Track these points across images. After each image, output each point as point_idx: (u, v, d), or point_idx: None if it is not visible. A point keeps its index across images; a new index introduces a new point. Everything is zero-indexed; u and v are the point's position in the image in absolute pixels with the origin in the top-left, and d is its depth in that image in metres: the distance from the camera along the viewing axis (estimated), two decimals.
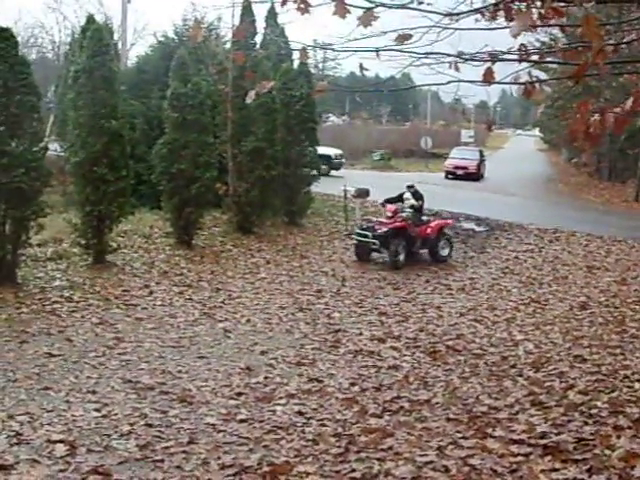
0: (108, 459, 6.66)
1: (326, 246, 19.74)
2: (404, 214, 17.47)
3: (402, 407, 8.21)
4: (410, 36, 5.57)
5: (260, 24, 25.15)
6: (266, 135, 19.89)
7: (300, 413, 7.94)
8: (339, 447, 7.04)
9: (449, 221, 20.19)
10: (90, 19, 20.54)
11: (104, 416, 7.70)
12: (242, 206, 19.69)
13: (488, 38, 6.09)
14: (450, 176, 40.39)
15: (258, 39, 23.64)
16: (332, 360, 9.96)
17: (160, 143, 17.79)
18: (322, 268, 16.76)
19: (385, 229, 17.01)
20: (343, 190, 22.33)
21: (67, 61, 35.00)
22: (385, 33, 5.72)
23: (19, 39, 13.16)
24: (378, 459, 6.75)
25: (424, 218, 18.47)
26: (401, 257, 17.00)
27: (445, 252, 18.14)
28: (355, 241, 17.77)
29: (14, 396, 8.21)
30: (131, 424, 7.46)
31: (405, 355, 10.34)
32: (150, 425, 7.45)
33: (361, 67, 6.01)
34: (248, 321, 11.93)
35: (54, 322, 11.30)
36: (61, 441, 6.99)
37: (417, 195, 18.20)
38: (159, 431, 7.32)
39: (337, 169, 36.59)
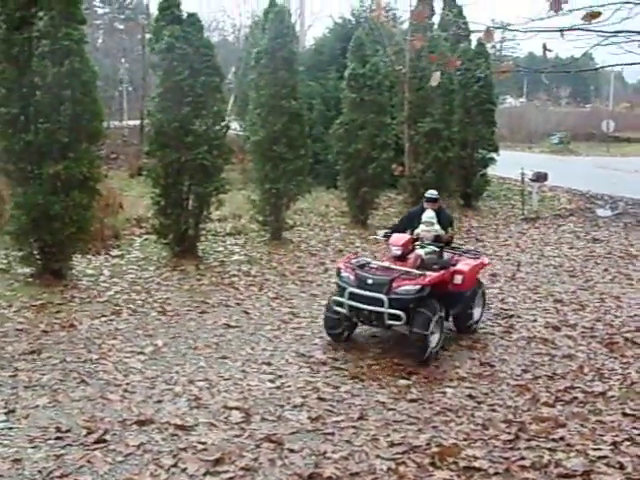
0: (280, 428, 6.87)
1: (501, 230, 19.43)
2: (423, 251, 9.96)
3: (575, 398, 7.97)
4: (599, 14, 5.35)
5: (438, 4, 24.98)
6: (443, 116, 19.74)
7: (470, 397, 7.89)
8: (509, 434, 6.95)
9: (485, 260, 11.11)
10: (272, 2, 21.11)
11: (278, 387, 7.94)
12: (417, 187, 19.65)
13: None
14: None
15: (435, 19, 23.45)
16: (505, 345, 9.80)
17: (337, 123, 18.06)
18: (497, 252, 16.48)
19: (415, 286, 8.96)
20: (520, 173, 21.90)
21: (247, 43, 36.09)
22: (571, 11, 5.53)
23: (203, 23, 13.66)
24: (549, 449, 6.62)
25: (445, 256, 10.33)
26: (435, 338, 9.04)
27: (478, 313, 10.46)
28: (334, 309, 9.40)
29: (194, 363, 8.62)
30: (303, 397, 7.65)
31: (580, 345, 10.00)
32: (322, 399, 7.61)
33: (544, 47, 5.84)
34: None
35: (232, 294, 11.73)
36: (237, 408, 7.28)
37: (444, 216, 10.67)
38: (330, 405, 7.47)
39: None
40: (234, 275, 12.83)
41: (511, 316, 11.21)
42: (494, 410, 7.56)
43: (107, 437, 6.52)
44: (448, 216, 10.86)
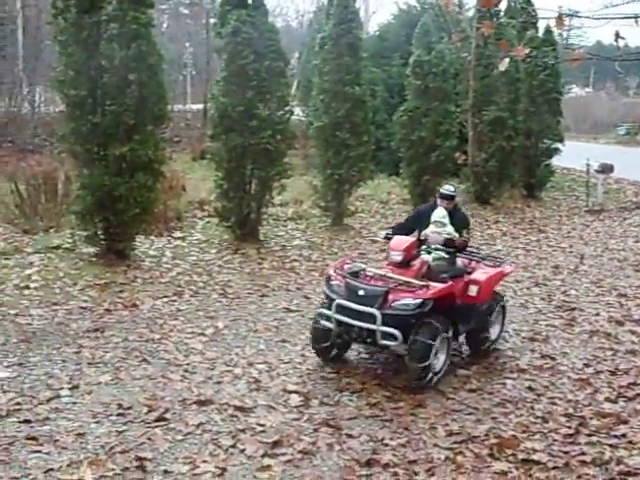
0: (339, 413, 6.87)
1: (565, 222, 19.12)
2: (430, 257, 8.46)
3: (639, 394, 7.79)
4: None
5: None
6: (508, 105, 19.50)
7: (530, 389, 7.78)
8: (569, 428, 6.83)
9: (508, 268, 9.53)
10: None
11: (337, 372, 7.93)
12: (480, 176, 19.51)
13: None
14: None
15: (502, 6, 23.15)
16: (566, 339, 9.64)
17: (401, 110, 17.99)
18: (560, 244, 16.23)
19: (415, 300, 7.50)
20: (586, 165, 21.54)
21: (311, 29, 36.15)
22: None
23: (267, 8, 13.67)
24: (610, 445, 6.48)
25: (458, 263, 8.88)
26: (440, 361, 7.71)
27: (495, 332, 8.96)
28: (322, 323, 7.94)
29: (254, 345, 8.69)
30: (363, 382, 7.64)
31: None
32: (381, 385, 7.59)
33: (617, 35, 5.68)
34: None
35: (293, 279, 11.78)
36: (296, 392, 7.31)
37: (460, 217, 9.06)
38: (390, 391, 7.46)
39: None
40: (295, 260, 12.89)
41: (573, 309, 11.03)
42: (554, 403, 7.45)
43: (167, 416, 6.62)
44: (464, 217, 9.20)
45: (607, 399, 7.62)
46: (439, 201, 8.96)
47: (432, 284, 7.63)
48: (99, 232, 11.57)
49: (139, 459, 5.78)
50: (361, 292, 7.63)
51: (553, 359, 8.79)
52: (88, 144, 11.18)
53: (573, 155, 23.32)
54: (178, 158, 22.33)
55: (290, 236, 14.63)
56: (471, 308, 8.35)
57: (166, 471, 5.66)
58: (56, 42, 11.18)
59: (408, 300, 7.49)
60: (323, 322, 7.89)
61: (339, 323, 7.67)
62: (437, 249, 8.51)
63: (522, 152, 20.89)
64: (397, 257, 8.05)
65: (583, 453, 6.32)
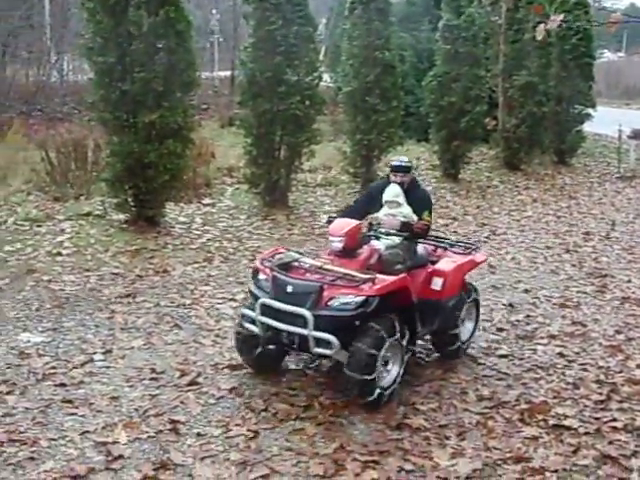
0: None
1: (596, 188, 18.98)
2: (382, 243, 6.99)
3: None
4: None
5: None
6: (539, 70, 19.32)
7: (561, 355, 7.75)
8: (600, 394, 6.80)
9: (479, 256, 7.84)
10: None
11: None
12: (510, 142, 19.38)
13: None
14: None
15: None
16: (597, 305, 9.58)
17: (430, 75, 17.85)
18: (591, 210, 16.11)
19: (356, 297, 5.97)
20: (618, 130, 21.30)
21: None
22: None
23: None
24: None
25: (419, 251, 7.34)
26: (391, 374, 6.33)
27: (467, 331, 7.59)
28: (246, 326, 6.51)
29: None
30: None
31: None
32: (411, 351, 7.59)
33: None
34: (513, 258, 11.70)
35: (323, 245, 11.73)
36: (327, 356, 7.28)
37: (418, 195, 7.38)
38: (419, 357, 7.47)
39: None
40: (325, 226, 12.85)
41: (604, 275, 10.96)
42: (585, 370, 7.42)
43: (199, 380, 6.67)
44: (424, 195, 7.51)
45: (638, 366, 7.57)
46: (392, 176, 7.36)
47: (379, 277, 6.14)
48: (129, 199, 11.62)
49: (172, 422, 5.85)
50: (289, 288, 6.18)
51: (584, 325, 8.74)
52: (117, 111, 11.19)
53: (605, 121, 23.05)
54: (206, 125, 22.29)
55: (319, 202, 14.62)
56: (435, 305, 6.99)
57: (199, 434, 5.72)
58: (84, 9, 11.18)
59: (348, 298, 6.02)
60: (247, 326, 6.50)
61: (267, 327, 6.28)
62: (388, 234, 7.06)
63: (553, 117, 20.71)
64: (337, 244, 6.57)
65: (614, 419, 6.30)
